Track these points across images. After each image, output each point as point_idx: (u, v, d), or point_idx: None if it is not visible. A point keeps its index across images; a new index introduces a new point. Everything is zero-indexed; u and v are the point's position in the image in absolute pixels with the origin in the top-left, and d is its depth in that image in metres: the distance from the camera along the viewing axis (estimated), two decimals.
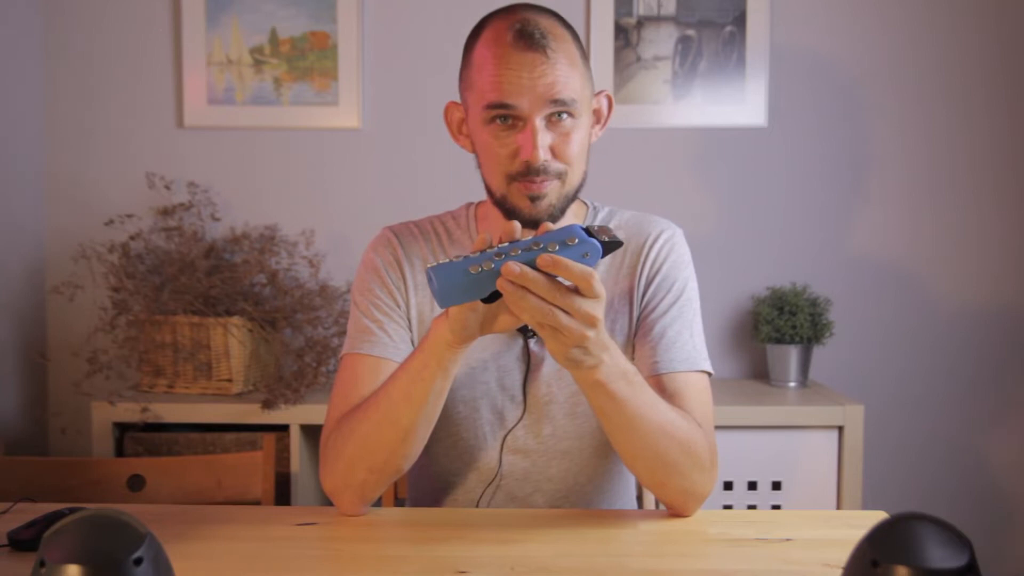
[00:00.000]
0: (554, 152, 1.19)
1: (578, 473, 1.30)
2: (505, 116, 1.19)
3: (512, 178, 1.20)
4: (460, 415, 1.28)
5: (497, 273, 0.97)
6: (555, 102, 1.17)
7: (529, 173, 1.19)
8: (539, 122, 1.18)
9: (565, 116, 1.19)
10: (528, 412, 1.28)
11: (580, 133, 1.22)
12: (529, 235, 1.04)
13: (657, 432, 1.12)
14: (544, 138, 1.18)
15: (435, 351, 1.11)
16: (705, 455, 1.18)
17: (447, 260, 1.01)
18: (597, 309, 0.99)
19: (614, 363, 1.07)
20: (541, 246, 0.98)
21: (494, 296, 1.01)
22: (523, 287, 0.97)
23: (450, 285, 0.99)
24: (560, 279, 0.98)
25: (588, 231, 1.00)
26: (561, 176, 1.21)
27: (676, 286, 1.29)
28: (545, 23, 1.19)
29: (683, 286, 1.30)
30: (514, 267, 0.96)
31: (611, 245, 1.01)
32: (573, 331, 0.99)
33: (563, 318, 0.98)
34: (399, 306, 1.29)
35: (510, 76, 1.17)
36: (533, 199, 1.20)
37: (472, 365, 1.28)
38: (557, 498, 1.30)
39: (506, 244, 1.00)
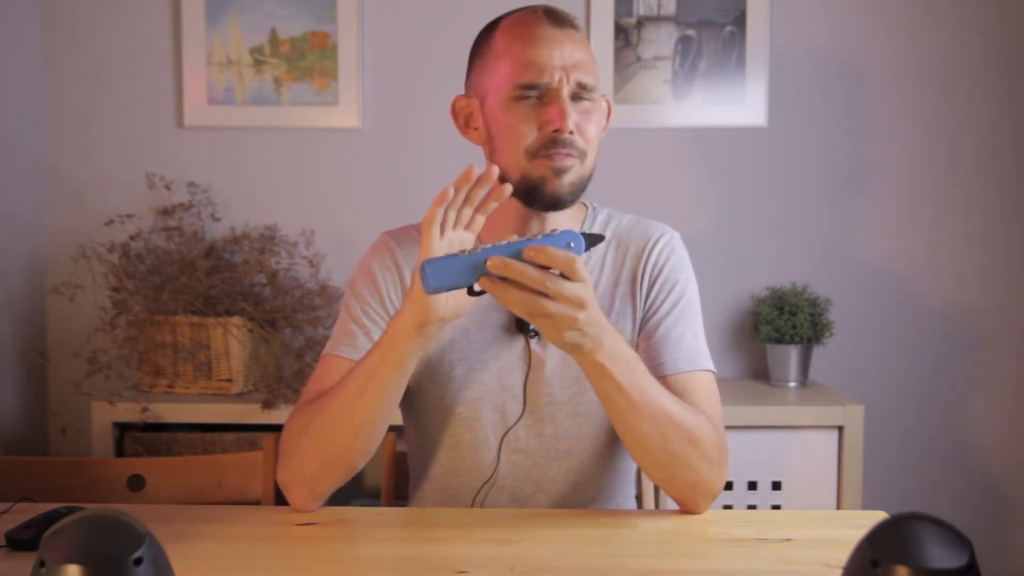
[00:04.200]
0: (578, 128, 1.22)
1: (580, 473, 1.30)
2: (533, 92, 1.21)
3: (535, 153, 1.21)
4: (461, 415, 1.28)
5: (483, 261, 1.00)
6: (581, 72, 1.21)
7: (556, 144, 1.20)
8: (567, 95, 1.21)
9: (586, 96, 1.23)
10: (529, 412, 1.28)
11: (597, 118, 1.25)
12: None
13: (662, 420, 1.13)
14: (572, 110, 1.20)
15: (394, 344, 1.12)
16: (713, 449, 1.18)
17: None
18: (584, 291, 1.01)
19: (615, 346, 1.09)
20: (526, 239, 1.01)
21: (481, 291, 1.04)
22: (508, 280, 0.99)
23: (440, 270, 1.02)
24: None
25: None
26: (582, 156, 1.23)
27: (678, 287, 1.30)
28: (567, 12, 1.26)
29: (684, 287, 1.31)
30: (497, 260, 0.99)
31: (593, 237, 1.05)
32: (564, 315, 1.01)
33: (551, 305, 1.00)
34: (389, 314, 1.29)
35: (541, 53, 1.20)
36: (558, 172, 1.21)
37: (473, 365, 1.28)
38: (559, 498, 1.30)
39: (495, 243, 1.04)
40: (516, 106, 1.21)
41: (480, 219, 1.12)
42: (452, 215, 1.10)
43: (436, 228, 1.08)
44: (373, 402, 1.15)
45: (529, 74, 1.20)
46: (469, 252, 1.02)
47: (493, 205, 1.11)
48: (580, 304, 1.01)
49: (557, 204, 1.24)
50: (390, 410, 1.18)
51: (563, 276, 1.00)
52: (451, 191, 1.08)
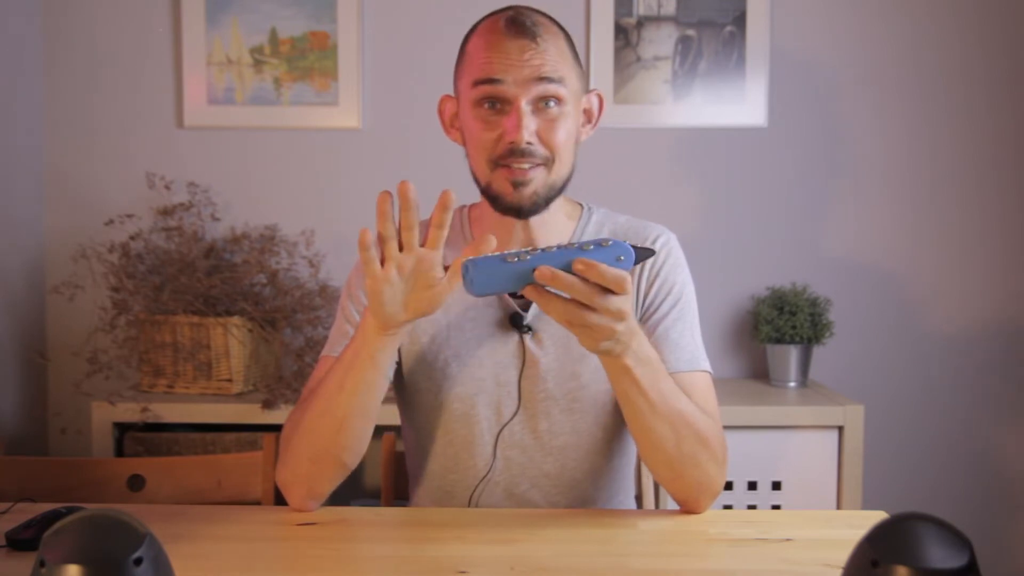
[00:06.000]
0: (540, 137, 1.21)
1: (575, 469, 1.30)
2: (492, 100, 1.21)
3: (496, 163, 1.22)
4: (457, 411, 1.29)
5: (531, 269, 0.98)
6: (541, 80, 1.20)
7: (513, 155, 1.21)
8: (525, 105, 1.20)
9: (552, 103, 1.22)
10: (524, 408, 1.28)
11: (567, 123, 1.24)
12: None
13: (677, 420, 1.15)
14: (529, 121, 1.20)
15: (364, 340, 1.13)
16: (718, 449, 1.20)
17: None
18: (626, 304, 1.02)
19: (640, 349, 1.10)
20: (576, 246, 1.00)
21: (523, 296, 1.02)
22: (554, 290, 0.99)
23: (485, 274, 0.99)
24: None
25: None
26: (547, 163, 1.23)
27: (676, 289, 1.31)
28: (537, 16, 1.24)
29: (682, 288, 1.32)
30: (546, 271, 0.98)
31: (644, 252, 1.04)
32: (604, 327, 1.02)
33: (593, 317, 1.00)
34: None
35: (499, 57, 1.21)
36: (516, 185, 1.22)
37: (467, 361, 1.29)
38: (553, 494, 1.30)
39: (544, 247, 1.01)
40: (479, 111, 1.23)
41: (437, 233, 1.07)
42: (391, 246, 1.05)
43: (375, 265, 1.05)
44: (352, 395, 1.16)
45: (484, 73, 1.21)
46: (516, 257, 0.99)
47: (447, 215, 1.07)
48: (621, 317, 1.02)
49: (520, 214, 1.25)
50: (371, 404, 1.18)
51: (607, 290, 1.00)
52: (369, 234, 1.04)
